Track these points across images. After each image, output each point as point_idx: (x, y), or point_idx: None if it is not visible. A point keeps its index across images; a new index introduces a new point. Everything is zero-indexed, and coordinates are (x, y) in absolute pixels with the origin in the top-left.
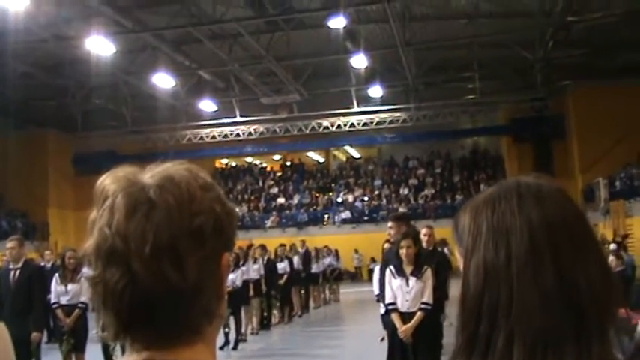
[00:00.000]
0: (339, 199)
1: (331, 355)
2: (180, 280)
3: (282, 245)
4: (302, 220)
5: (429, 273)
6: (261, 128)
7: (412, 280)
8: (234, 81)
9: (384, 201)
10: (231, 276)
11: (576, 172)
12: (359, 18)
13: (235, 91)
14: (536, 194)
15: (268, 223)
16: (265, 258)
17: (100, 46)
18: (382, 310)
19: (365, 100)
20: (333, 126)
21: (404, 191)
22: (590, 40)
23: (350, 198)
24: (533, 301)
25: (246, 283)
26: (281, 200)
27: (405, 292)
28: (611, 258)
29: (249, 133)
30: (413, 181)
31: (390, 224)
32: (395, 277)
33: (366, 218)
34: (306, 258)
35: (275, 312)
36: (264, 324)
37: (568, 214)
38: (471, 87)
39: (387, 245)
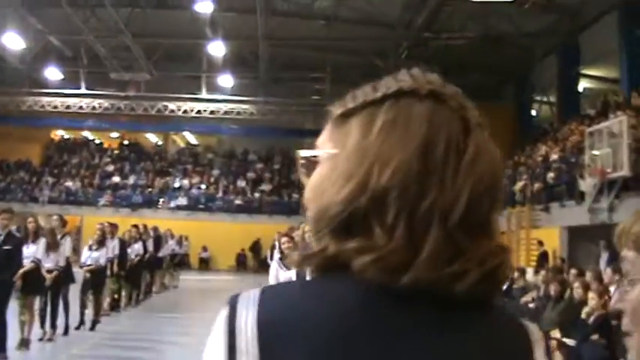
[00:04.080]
0: (176, 184)
1: (189, 343)
2: None
3: (135, 226)
4: (136, 202)
5: None
6: (105, 103)
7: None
8: (84, 52)
9: (221, 192)
10: (95, 254)
11: None
12: (220, 6)
13: (84, 62)
14: None
15: (102, 201)
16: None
17: None
18: None
19: (214, 88)
20: (179, 110)
21: (241, 183)
22: (443, 59)
23: (187, 184)
24: None
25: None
26: (116, 179)
27: None
28: None
29: (93, 107)
30: (251, 175)
31: None
32: (284, 270)
33: (201, 206)
34: (157, 242)
35: (123, 294)
36: (115, 306)
37: None
38: (318, 88)
39: (308, 236)
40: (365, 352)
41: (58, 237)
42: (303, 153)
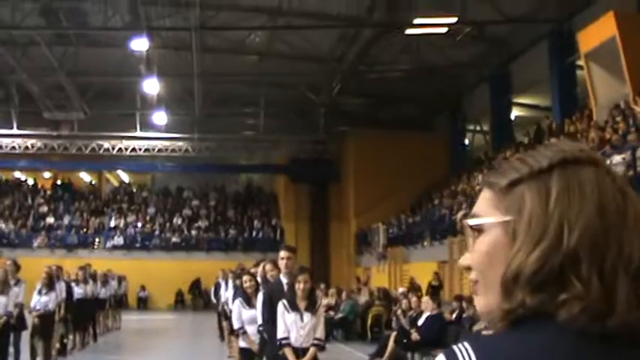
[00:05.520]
0: (112, 224)
1: None
2: None
3: (83, 268)
4: (72, 242)
5: (322, 309)
6: (39, 143)
7: (307, 315)
8: (16, 91)
9: (157, 230)
10: (43, 299)
11: (350, 215)
12: (154, 43)
13: (15, 101)
14: None
15: (36, 243)
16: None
17: None
18: (242, 344)
19: (147, 125)
20: (114, 148)
21: (178, 221)
22: (376, 91)
23: (122, 223)
24: None
25: None
26: (50, 220)
27: (299, 327)
28: (426, 299)
29: (26, 147)
30: (187, 212)
31: (284, 254)
32: (289, 312)
33: (137, 245)
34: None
35: (70, 338)
36: (61, 351)
37: None
38: (252, 123)
39: (274, 274)
40: None
41: (12, 282)
42: (472, 222)
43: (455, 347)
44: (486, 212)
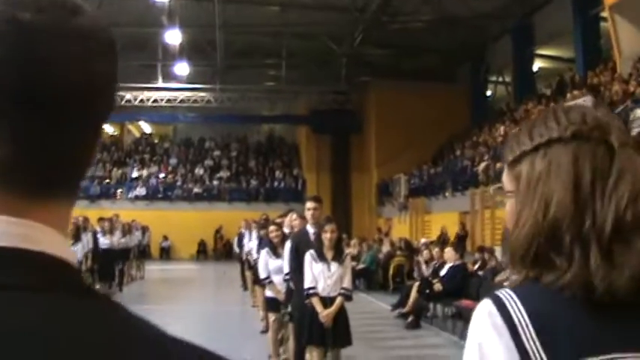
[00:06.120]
0: (134, 175)
1: (182, 333)
2: None
3: (109, 219)
4: (94, 193)
5: (349, 259)
6: None
7: (334, 265)
8: None
9: (179, 180)
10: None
11: (372, 166)
12: None
13: None
14: None
15: None
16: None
17: None
18: (268, 294)
19: (169, 76)
20: (136, 99)
21: (199, 171)
22: (398, 42)
23: (145, 174)
24: None
25: None
26: None
27: (326, 277)
28: (449, 249)
29: None
30: (209, 162)
31: (311, 205)
32: (316, 262)
33: (160, 196)
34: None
35: (97, 287)
36: None
37: None
38: (273, 74)
39: (296, 223)
40: (595, 331)
41: None
42: (499, 191)
43: (498, 293)
44: (506, 184)
